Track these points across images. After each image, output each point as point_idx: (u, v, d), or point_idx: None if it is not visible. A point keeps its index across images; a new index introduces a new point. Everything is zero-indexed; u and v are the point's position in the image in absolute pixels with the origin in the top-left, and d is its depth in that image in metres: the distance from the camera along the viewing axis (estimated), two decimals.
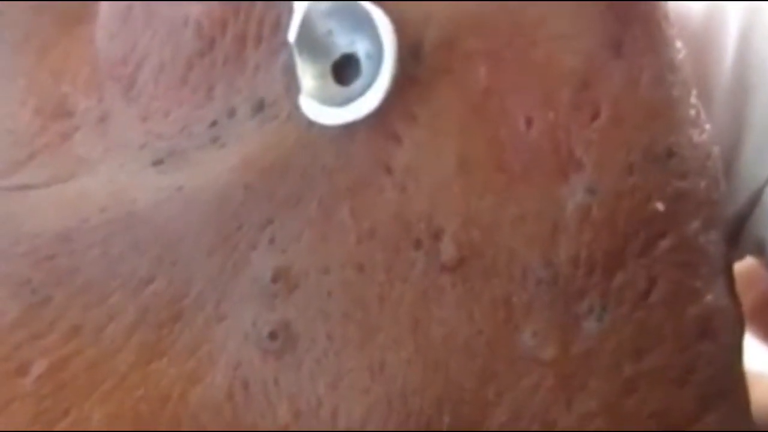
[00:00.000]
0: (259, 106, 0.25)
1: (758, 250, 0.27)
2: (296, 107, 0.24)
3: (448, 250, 0.24)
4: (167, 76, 0.26)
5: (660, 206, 0.24)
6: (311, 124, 0.24)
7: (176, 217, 0.25)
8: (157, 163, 0.25)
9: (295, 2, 0.24)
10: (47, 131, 0.27)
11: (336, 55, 0.24)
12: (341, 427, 0.24)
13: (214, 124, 0.25)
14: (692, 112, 0.25)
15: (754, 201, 0.27)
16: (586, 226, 0.24)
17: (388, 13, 0.23)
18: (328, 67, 0.24)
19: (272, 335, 0.24)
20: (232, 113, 0.25)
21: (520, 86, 0.24)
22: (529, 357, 0.24)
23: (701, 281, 0.25)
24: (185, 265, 0.25)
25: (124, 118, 0.26)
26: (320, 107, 0.24)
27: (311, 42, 0.24)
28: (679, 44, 0.25)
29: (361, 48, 0.24)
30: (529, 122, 0.24)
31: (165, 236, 0.25)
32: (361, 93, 0.23)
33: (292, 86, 0.24)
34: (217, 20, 0.25)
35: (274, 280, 0.24)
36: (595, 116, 0.24)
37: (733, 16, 0.27)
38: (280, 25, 0.25)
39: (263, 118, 0.25)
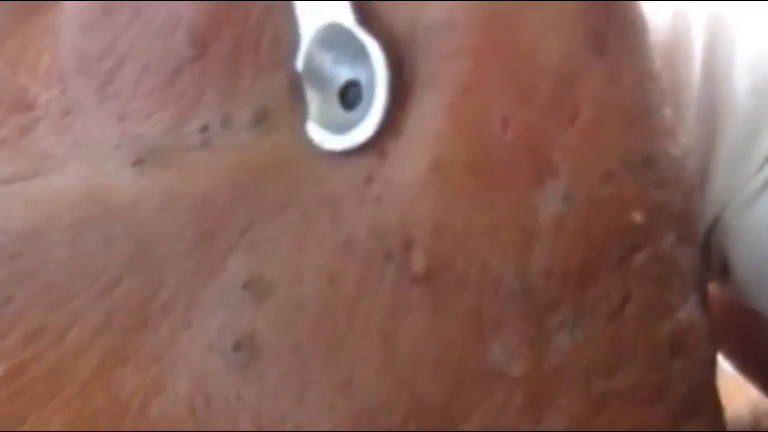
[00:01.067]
0: (261, 117, 0.24)
1: (722, 270, 0.27)
2: (300, 123, 0.24)
3: (417, 261, 0.23)
4: (152, 78, 0.25)
5: (638, 217, 0.24)
6: (312, 140, 0.24)
7: (155, 216, 0.24)
8: (138, 162, 0.25)
9: (301, 25, 0.24)
10: (5, 125, 0.26)
11: (340, 82, 0.24)
12: None
13: (204, 129, 0.25)
14: (669, 122, 0.25)
15: (717, 219, 0.26)
16: (561, 236, 0.23)
17: (379, 30, 0.23)
18: (333, 93, 0.24)
19: (236, 346, 0.24)
20: (226, 120, 0.25)
21: (498, 84, 0.23)
22: (498, 373, 0.23)
23: (675, 297, 0.25)
24: (158, 267, 0.24)
25: (95, 114, 0.25)
26: (324, 133, 0.24)
27: (317, 70, 0.24)
28: (656, 54, 0.25)
29: (362, 75, 0.24)
30: (505, 123, 0.23)
31: (140, 235, 0.24)
32: (361, 119, 0.23)
33: (298, 105, 0.24)
34: (212, 25, 0.25)
35: (246, 287, 0.24)
36: (573, 117, 0.23)
37: (697, 27, 0.27)
38: (280, 41, 0.25)
39: (264, 129, 0.24)
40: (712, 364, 0.26)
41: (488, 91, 0.23)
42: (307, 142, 0.24)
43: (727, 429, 0.27)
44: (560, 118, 0.23)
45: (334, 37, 0.24)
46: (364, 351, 0.23)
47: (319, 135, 0.24)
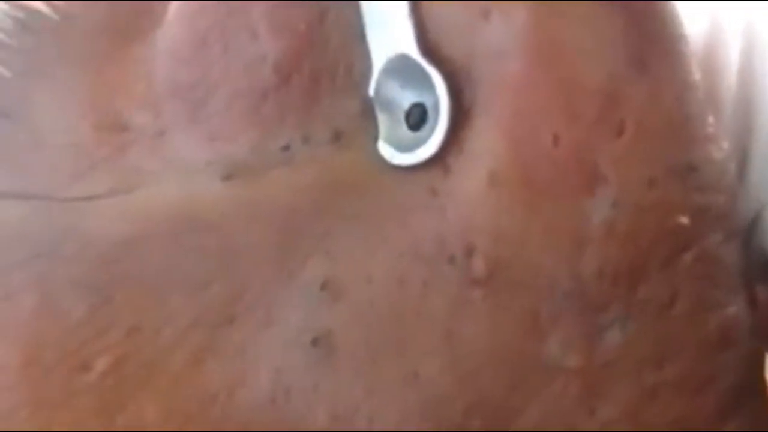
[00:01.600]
0: (337, 136, 0.27)
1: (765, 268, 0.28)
2: (372, 141, 0.26)
3: (478, 265, 0.25)
4: (241, 104, 0.27)
5: (683, 220, 0.25)
6: (382, 157, 0.26)
7: (242, 226, 0.26)
8: (227, 177, 0.27)
9: (372, 57, 0.27)
10: (105, 144, 0.28)
11: (406, 105, 0.26)
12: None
13: (287, 148, 0.27)
14: (710, 129, 0.26)
15: (757, 219, 0.27)
16: (611, 239, 0.25)
17: (440, 59, 0.26)
18: (401, 115, 0.26)
19: (314, 342, 0.25)
20: (306, 139, 0.27)
21: (547, 105, 0.25)
22: (554, 365, 0.25)
23: (722, 293, 0.26)
24: (243, 271, 0.26)
25: (188, 136, 0.27)
26: (393, 151, 0.26)
27: (386, 96, 0.27)
28: (695, 65, 0.26)
29: (427, 99, 0.26)
30: (556, 140, 0.25)
31: (227, 243, 0.26)
32: (426, 138, 0.26)
33: (369, 125, 0.27)
34: (294, 58, 0.27)
35: (323, 287, 0.26)
36: (620, 132, 0.25)
37: (734, 32, 0.28)
38: (354, 70, 0.27)
39: (339, 146, 0.27)
40: (759, 358, 0.27)
41: (539, 112, 0.25)
42: (378, 159, 0.26)
43: None
44: (607, 133, 0.25)
45: (401, 67, 0.26)
46: (429, 347, 0.25)
47: (389, 152, 0.27)
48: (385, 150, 0.27)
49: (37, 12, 0.29)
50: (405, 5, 0.26)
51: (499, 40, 0.25)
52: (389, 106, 0.27)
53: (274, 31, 0.27)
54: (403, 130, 0.26)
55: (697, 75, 0.26)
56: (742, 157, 0.27)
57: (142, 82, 0.28)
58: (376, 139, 0.27)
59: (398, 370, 0.25)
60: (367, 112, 0.27)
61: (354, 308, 0.25)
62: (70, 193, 0.28)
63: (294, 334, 0.26)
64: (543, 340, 0.25)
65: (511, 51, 0.25)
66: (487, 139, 0.25)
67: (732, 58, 0.28)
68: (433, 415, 0.25)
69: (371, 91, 0.27)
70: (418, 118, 0.26)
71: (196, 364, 0.26)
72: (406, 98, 0.26)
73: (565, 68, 0.25)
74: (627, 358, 0.25)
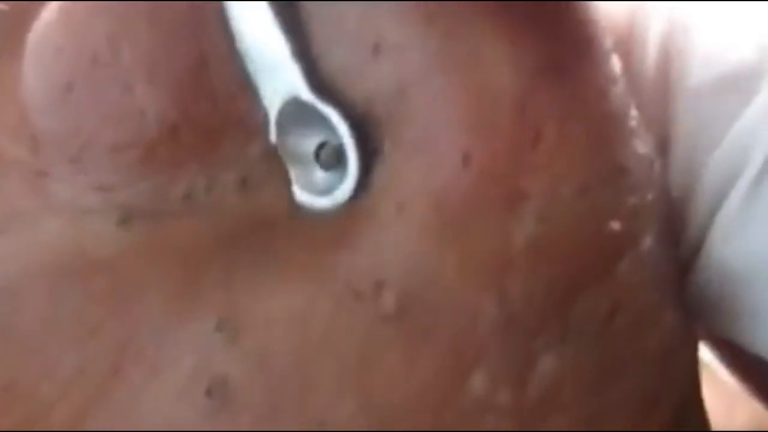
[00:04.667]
0: (243, 182, 0.24)
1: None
2: (283, 184, 0.24)
3: (388, 301, 0.23)
4: (126, 157, 0.24)
5: (615, 226, 0.23)
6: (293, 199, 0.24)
7: (138, 268, 0.24)
8: (123, 221, 0.24)
9: (266, 103, 0.24)
10: None
11: (312, 147, 0.24)
12: None
13: (188, 196, 0.24)
14: (634, 123, 0.24)
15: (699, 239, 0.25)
16: (538, 257, 0.23)
17: (337, 99, 0.24)
18: (309, 158, 0.24)
19: (209, 392, 0.23)
20: (210, 187, 0.24)
21: (455, 124, 0.23)
22: (482, 404, 0.23)
23: (661, 298, 0.24)
24: (134, 315, 0.24)
25: (72, 182, 0.25)
26: (310, 197, 0.24)
27: (289, 140, 0.24)
28: (615, 57, 0.24)
29: (332, 138, 0.24)
30: (466, 159, 0.23)
31: (120, 285, 0.24)
32: (340, 181, 0.24)
33: (278, 169, 0.24)
34: (178, 112, 0.24)
35: (219, 328, 0.23)
36: (536, 142, 0.23)
37: (656, 16, 0.27)
38: (250, 117, 0.24)
39: (246, 192, 0.24)
40: (696, 368, 0.26)
41: (446, 133, 0.23)
42: (291, 203, 0.24)
43: None
44: (522, 145, 0.23)
45: (298, 110, 0.24)
46: (337, 392, 0.23)
47: (307, 198, 0.24)
48: (303, 196, 0.24)
49: None
50: (286, 48, 0.24)
51: (396, 79, 0.23)
52: (295, 151, 0.24)
53: (151, 83, 0.24)
54: (316, 172, 0.24)
55: (617, 68, 0.24)
56: (662, 144, 0.26)
57: (13, 109, 0.25)
58: (287, 182, 0.24)
59: (302, 421, 0.23)
60: (272, 156, 0.24)
61: (252, 351, 0.23)
62: None
63: (186, 383, 0.23)
64: (467, 376, 0.23)
65: (410, 89, 0.23)
66: (396, 172, 0.23)
67: (651, 39, 0.26)
68: None
69: (272, 138, 0.24)
70: (329, 157, 0.24)
71: (79, 421, 0.23)
72: (311, 141, 0.24)
73: (471, 83, 0.23)
74: (564, 386, 0.23)
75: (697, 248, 0.25)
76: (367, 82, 0.23)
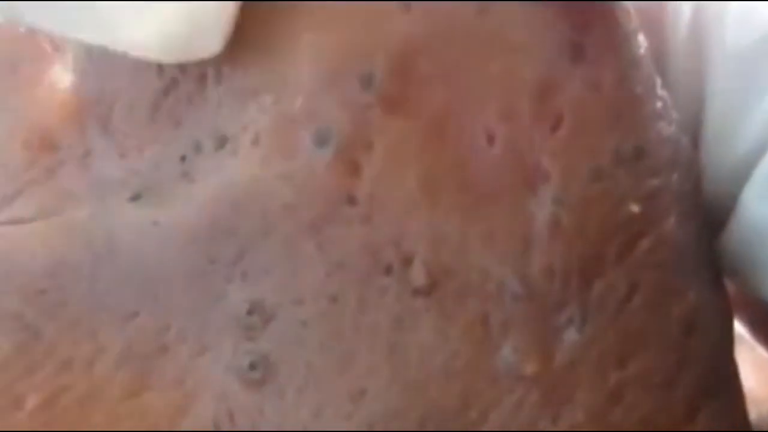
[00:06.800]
0: (221, 142, 0.25)
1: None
2: (252, 144, 0.24)
3: (418, 274, 0.24)
4: (137, 116, 0.26)
5: (635, 208, 0.24)
6: (265, 162, 0.24)
7: (153, 253, 0.25)
8: (135, 198, 0.26)
9: None
10: (34, 165, 0.27)
11: None
12: None
13: (183, 159, 0.25)
14: (659, 104, 0.25)
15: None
16: (558, 237, 0.24)
17: (337, 42, 0.24)
18: None
19: (252, 366, 0.24)
20: (198, 148, 0.25)
21: (479, 103, 0.24)
22: (510, 374, 0.24)
23: (683, 278, 0.25)
24: (165, 300, 0.25)
25: (105, 154, 0.26)
26: None
27: None
28: (640, 38, 0.25)
29: None
30: (491, 138, 0.24)
31: (145, 271, 0.25)
32: None
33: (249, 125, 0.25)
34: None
35: (250, 312, 0.24)
36: (557, 125, 0.24)
37: None
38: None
39: (224, 155, 0.25)
40: (729, 340, 0.26)
41: (470, 110, 0.24)
42: (260, 166, 0.24)
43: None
44: (544, 128, 0.24)
45: None
46: (373, 363, 0.24)
47: None
48: None
49: None
50: None
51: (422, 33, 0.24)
52: None
53: None
54: None
55: (640, 50, 0.25)
56: (695, 109, 0.26)
57: (70, 99, 0.26)
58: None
59: (344, 389, 0.24)
60: None
61: (287, 330, 0.24)
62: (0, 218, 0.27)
63: (230, 359, 0.25)
64: (495, 347, 0.24)
65: (438, 46, 0.24)
66: (411, 141, 0.24)
67: (684, 15, 0.27)
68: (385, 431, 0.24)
69: None
70: None
71: (132, 397, 0.25)
72: None
73: (496, 63, 0.24)
74: (587, 359, 0.24)
75: (731, 207, 0.25)
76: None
